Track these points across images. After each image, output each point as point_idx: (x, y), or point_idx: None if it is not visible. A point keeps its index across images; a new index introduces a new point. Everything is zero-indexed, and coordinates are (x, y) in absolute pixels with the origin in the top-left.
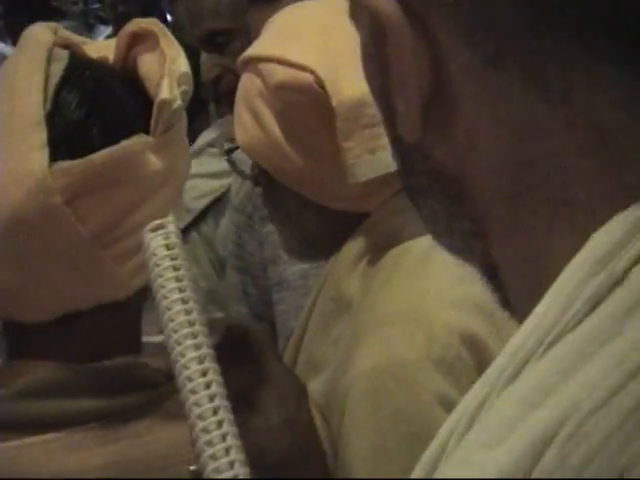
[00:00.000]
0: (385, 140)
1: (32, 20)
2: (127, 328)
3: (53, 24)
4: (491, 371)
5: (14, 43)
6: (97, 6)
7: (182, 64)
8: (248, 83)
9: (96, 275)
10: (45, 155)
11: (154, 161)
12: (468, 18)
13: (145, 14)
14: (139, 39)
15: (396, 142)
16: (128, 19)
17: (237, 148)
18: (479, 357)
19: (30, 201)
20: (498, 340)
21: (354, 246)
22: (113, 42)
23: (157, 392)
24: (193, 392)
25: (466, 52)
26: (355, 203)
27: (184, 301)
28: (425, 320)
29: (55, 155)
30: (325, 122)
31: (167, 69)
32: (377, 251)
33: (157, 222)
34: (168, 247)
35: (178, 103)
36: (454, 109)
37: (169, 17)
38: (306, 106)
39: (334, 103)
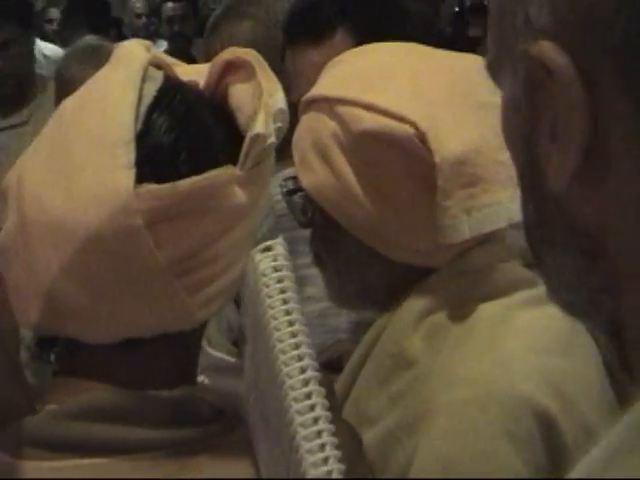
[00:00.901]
0: (480, 200)
1: (91, 29)
2: (186, 359)
3: (147, 42)
4: (610, 441)
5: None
6: (155, 22)
7: (279, 100)
8: (318, 124)
9: (166, 304)
10: (132, 176)
11: (239, 194)
12: None
13: (199, 35)
14: (233, 68)
15: (533, 191)
16: (183, 37)
17: (298, 190)
18: (548, 434)
19: (111, 220)
20: (567, 417)
21: (417, 303)
22: (203, 67)
23: (210, 429)
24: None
25: (635, 115)
26: (423, 258)
27: (291, 323)
28: (499, 392)
29: (140, 177)
30: (416, 176)
31: (264, 103)
32: (444, 311)
33: (267, 244)
34: (276, 269)
35: (272, 139)
36: (608, 166)
37: None
38: (397, 158)
39: (437, 160)
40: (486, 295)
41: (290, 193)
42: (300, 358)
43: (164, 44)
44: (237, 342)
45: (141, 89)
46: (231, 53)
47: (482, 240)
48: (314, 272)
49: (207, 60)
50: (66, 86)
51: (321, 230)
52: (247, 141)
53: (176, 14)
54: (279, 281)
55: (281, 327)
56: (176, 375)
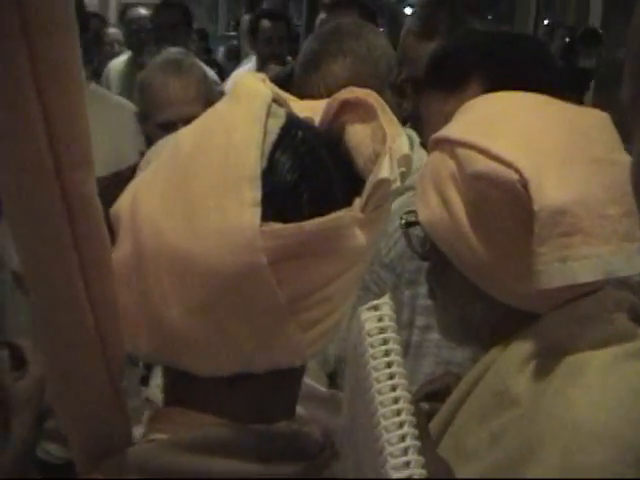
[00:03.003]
0: (578, 251)
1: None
2: (290, 393)
3: (262, 75)
4: None
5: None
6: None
7: (403, 145)
8: (439, 163)
9: (281, 340)
10: (257, 213)
11: (360, 237)
12: None
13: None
14: (350, 107)
15: None
16: (276, 57)
17: (416, 223)
18: None
19: (233, 257)
20: None
21: (524, 346)
22: (318, 103)
23: (313, 464)
24: None
25: None
26: (528, 303)
27: (393, 388)
28: (607, 437)
29: (263, 215)
30: (519, 221)
31: (388, 147)
32: (551, 356)
33: (374, 303)
34: (382, 330)
35: (397, 184)
36: None
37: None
38: (502, 202)
39: (536, 207)
40: (593, 344)
41: (408, 225)
42: (401, 425)
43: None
44: (332, 375)
45: (265, 126)
46: (350, 92)
47: (590, 291)
48: None
49: (304, 95)
50: (148, 93)
51: (434, 264)
52: (372, 185)
53: (274, 34)
54: (384, 342)
55: (383, 391)
56: (281, 409)
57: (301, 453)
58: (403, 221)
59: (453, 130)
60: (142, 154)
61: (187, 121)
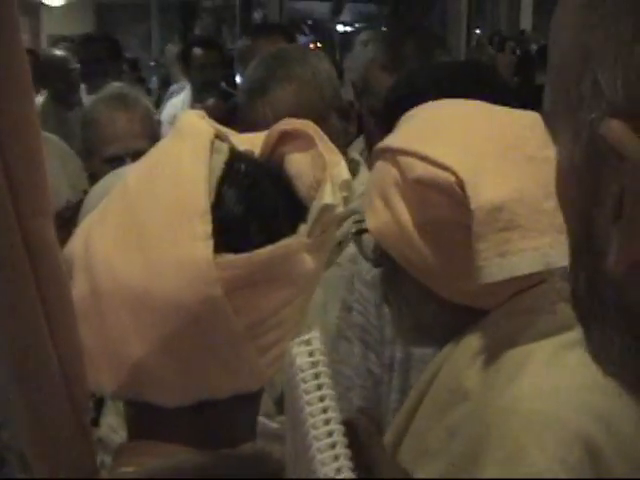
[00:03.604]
0: (516, 245)
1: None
2: (251, 415)
3: (201, 112)
4: None
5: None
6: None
7: (343, 171)
8: (384, 171)
9: (239, 366)
10: (210, 246)
11: (309, 261)
12: None
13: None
14: (288, 137)
15: (586, 264)
16: (210, 84)
17: (365, 231)
18: (597, 466)
19: (190, 290)
20: (616, 452)
21: (473, 342)
22: (257, 136)
23: None
24: None
25: None
26: (476, 299)
27: (326, 422)
28: (552, 423)
29: (215, 247)
30: (460, 221)
31: (329, 174)
32: (499, 349)
33: (304, 337)
34: (313, 364)
35: (339, 209)
36: None
37: (238, 79)
38: (443, 204)
39: (472, 206)
40: (538, 335)
41: (358, 233)
42: (336, 458)
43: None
44: (279, 400)
45: (210, 162)
46: (288, 124)
47: (533, 283)
48: None
49: (249, 121)
50: (94, 129)
51: (386, 269)
52: (316, 210)
53: (207, 61)
54: (316, 377)
55: (318, 425)
56: (244, 431)
57: (267, 473)
58: (353, 229)
59: (394, 139)
60: (85, 192)
61: (134, 155)
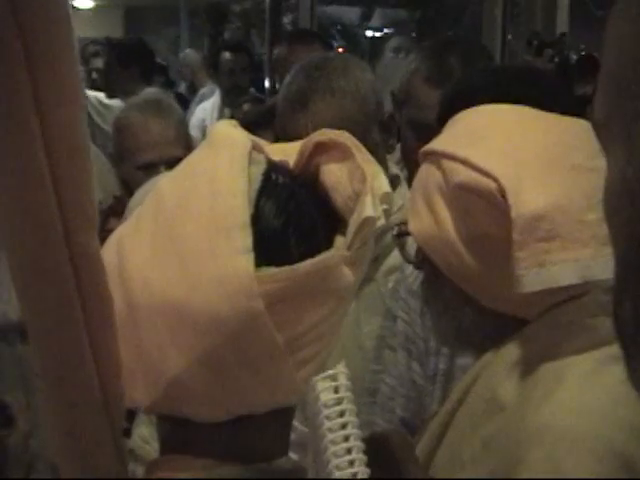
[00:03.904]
0: (556, 255)
1: (137, 77)
2: (285, 429)
3: (234, 122)
4: None
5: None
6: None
7: (383, 183)
8: (428, 174)
9: (279, 381)
10: (251, 259)
11: (348, 274)
12: None
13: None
14: (324, 148)
15: (633, 289)
16: (238, 89)
17: (408, 233)
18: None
19: (231, 304)
20: None
21: (512, 352)
22: (291, 146)
23: None
24: None
25: None
26: (516, 308)
27: (351, 463)
28: (587, 438)
29: (255, 260)
30: (501, 228)
31: (369, 186)
32: (536, 361)
33: (330, 372)
34: (338, 401)
35: (381, 222)
36: None
37: (267, 83)
38: (484, 210)
39: (513, 214)
40: (577, 348)
41: (400, 235)
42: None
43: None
44: None
45: (248, 173)
46: (323, 134)
47: (575, 295)
48: None
49: (289, 134)
50: (127, 134)
51: (427, 273)
52: (357, 224)
53: (235, 66)
54: (340, 415)
55: (343, 467)
56: (279, 445)
57: None
58: (395, 232)
59: (440, 142)
60: (115, 198)
61: (168, 162)
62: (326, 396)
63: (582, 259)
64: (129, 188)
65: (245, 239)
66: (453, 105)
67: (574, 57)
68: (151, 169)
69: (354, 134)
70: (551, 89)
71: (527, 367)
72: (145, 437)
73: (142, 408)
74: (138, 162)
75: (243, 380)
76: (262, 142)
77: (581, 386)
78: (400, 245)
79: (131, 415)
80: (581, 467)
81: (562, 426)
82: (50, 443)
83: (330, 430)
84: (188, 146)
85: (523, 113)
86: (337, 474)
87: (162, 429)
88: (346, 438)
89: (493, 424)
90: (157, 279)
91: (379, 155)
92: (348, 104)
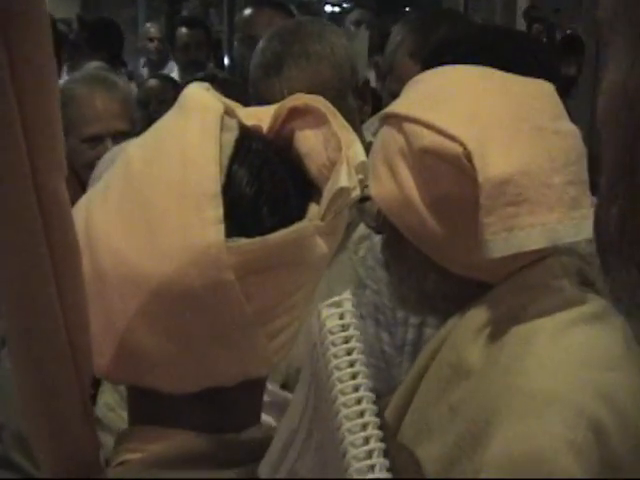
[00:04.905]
0: (524, 220)
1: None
2: (257, 400)
3: (206, 84)
4: None
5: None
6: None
7: (360, 152)
8: (389, 138)
9: (250, 352)
10: (221, 230)
11: (322, 245)
12: None
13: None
14: (299, 113)
15: (622, 196)
16: (198, 64)
17: (368, 198)
18: (602, 444)
19: (201, 275)
20: (620, 429)
21: (477, 316)
22: (264, 110)
23: None
24: None
25: None
26: (482, 273)
27: (356, 388)
28: (556, 403)
29: (226, 230)
30: (466, 193)
31: (344, 155)
32: (503, 324)
33: (335, 299)
34: (344, 327)
35: (356, 192)
36: None
37: (226, 60)
38: (449, 175)
39: (480, 179)
40: (542, 311)
41: (361, 200)
42: (364, 427)
43: (174, 68)
44: (283, 385)
45: (220, 139)
46: (298, 99)
47: (539, 258)
48: None
49: (264, 99)
50: (70, 106)
51: (388, 237)
52: (331, 194)
53: (191, 40)
54: (346, 340)
55: (346, 391)
56: (249, 416)
57: None
58: None
59: (401, 105)
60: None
61: (114, 136)
62: (331, 322)
63: (549, 223)
64: (71, 161)
65: (216, 209)
66: (438, 54)
67: (559, 36)
68: (97, 142)
69: (329, 99)
70: (538, 55)
71: (493, 331)
72: (110, 405)
73: (109, 379)
74: (83, 135)
75: (212, 352)
76: (235, 105)
77: (548, 348)
78: (360, 210)
79: (96, 382)
80: (553, 434)
81: (530, 388)
82: (17, 405)
83: (335, 356)
84: (133, 121)
85: (487, 75)
86: (342, 399)
87: (131, 399)
88: (351, 364)
89: (460, 389)
90: (125, 249)
91: (354, 121)
92: (323, 69)
